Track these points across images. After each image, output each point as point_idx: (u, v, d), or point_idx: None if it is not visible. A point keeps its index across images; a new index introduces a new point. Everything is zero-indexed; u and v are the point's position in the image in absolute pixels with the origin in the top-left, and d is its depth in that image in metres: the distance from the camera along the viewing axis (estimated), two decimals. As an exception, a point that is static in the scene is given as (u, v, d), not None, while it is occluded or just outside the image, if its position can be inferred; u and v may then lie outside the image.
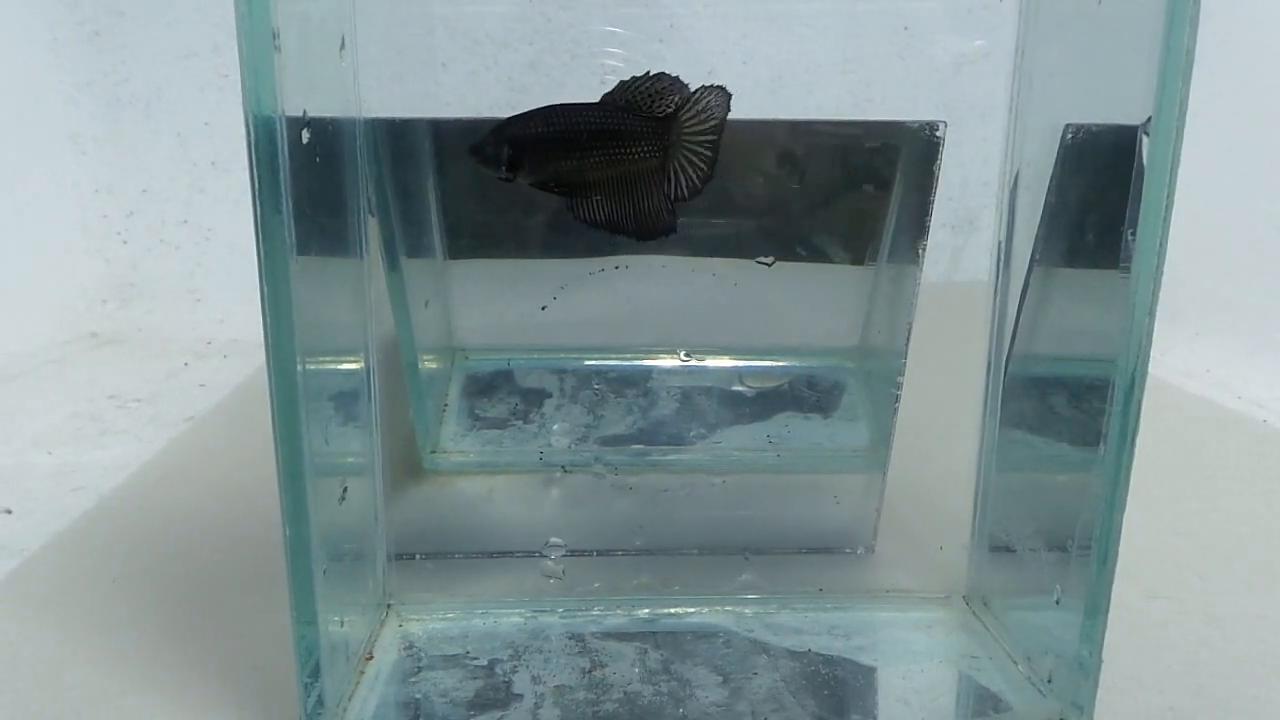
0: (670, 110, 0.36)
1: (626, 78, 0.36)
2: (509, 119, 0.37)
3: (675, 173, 0.37)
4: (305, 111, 0.30)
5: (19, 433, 0.70)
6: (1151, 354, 0.32)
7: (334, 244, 0.36)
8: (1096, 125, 0.36)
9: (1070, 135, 0.37)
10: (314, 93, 0.32)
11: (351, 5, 0.35)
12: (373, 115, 0.37)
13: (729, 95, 0.37)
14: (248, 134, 0.29)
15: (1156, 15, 0.29)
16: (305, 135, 0.30)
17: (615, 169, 0.37)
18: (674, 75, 0.36)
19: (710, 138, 0.37)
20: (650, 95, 0.36)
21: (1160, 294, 0.31)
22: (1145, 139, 0.30)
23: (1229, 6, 0.89)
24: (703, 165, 0.37)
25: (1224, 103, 0.89)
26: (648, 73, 0.36)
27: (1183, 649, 0.41)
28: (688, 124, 0.36)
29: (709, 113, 0.37)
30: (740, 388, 0.46)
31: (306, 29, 0.31)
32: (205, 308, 1.02)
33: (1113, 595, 0.34)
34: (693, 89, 0.36)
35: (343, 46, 0.35)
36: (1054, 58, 0.37)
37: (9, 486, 0.60)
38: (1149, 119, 0.30)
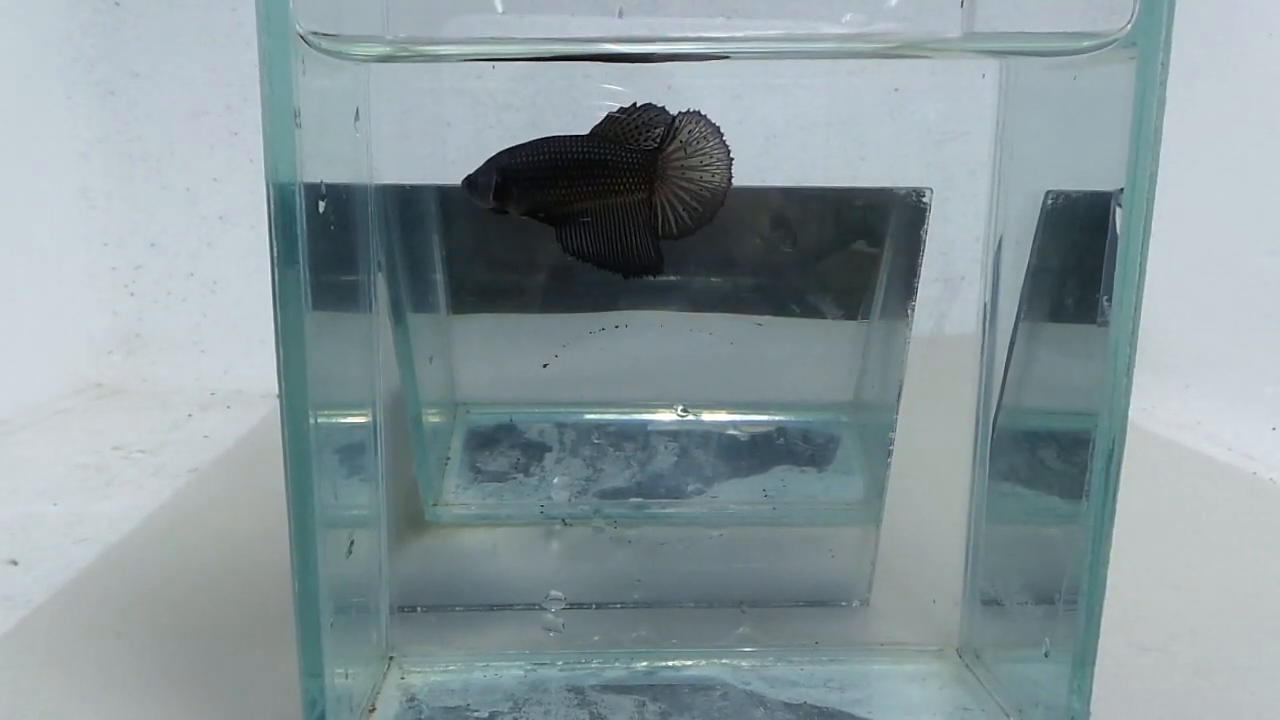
0: (655, 142, 0.36)
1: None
2: (502, 151, 0.37)
3: (662, 209, 0.36)
4: (322, 181, 0.32)
5: (25, 484, 0.71)
6: (1142, 407, 0.33)
7: (344, 301, 0.37)
8: (1075, 192, 0.37)
9: (1050, 201, 0.38)
10: (330, 163, 0.33)
11: (366, 79, 0.37)
12: (383, 181, 0.39)
13: (715, 127, 0.36)
14: (267, 202, 0.30)
15: (1127, 91, 0.31)
16: (322, 205, 0.32)
17: (601, 200, 0.36)
18: (661, 106, 0.36)
19: (701, 174, 0.36)
20: (636, 127, 0.36)
21: (1150, 348, 0.32)
22: (1118, 209, 0.32)
23: (1217, 61, 0.91)
24: (695, 204, 0.36)
25: (1213, 160, 0.92)
26: (634, 104, 0.36)
27: (1173, 701, 0.42)
28: (673, 156, 0.36)
29: (696, 144, 0.36)
30: (735, 432, 0.47)
31: (325, 104, 0.33)
32: (209, 359, 1.03)
33: (1103, 648, 0.35)
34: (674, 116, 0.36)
35: (357, 118, 0.37)
36: (1033, 127, 0.39)
37: (15, 538, 0.60)
38: (1121, 190, 0.31)
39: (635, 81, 0.39)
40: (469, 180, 0.39)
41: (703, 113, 0.36)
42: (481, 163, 0.38)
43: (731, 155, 0.37)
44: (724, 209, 0.39)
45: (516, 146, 0.37)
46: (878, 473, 0.46)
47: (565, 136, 0.37)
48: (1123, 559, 0.34)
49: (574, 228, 0.37)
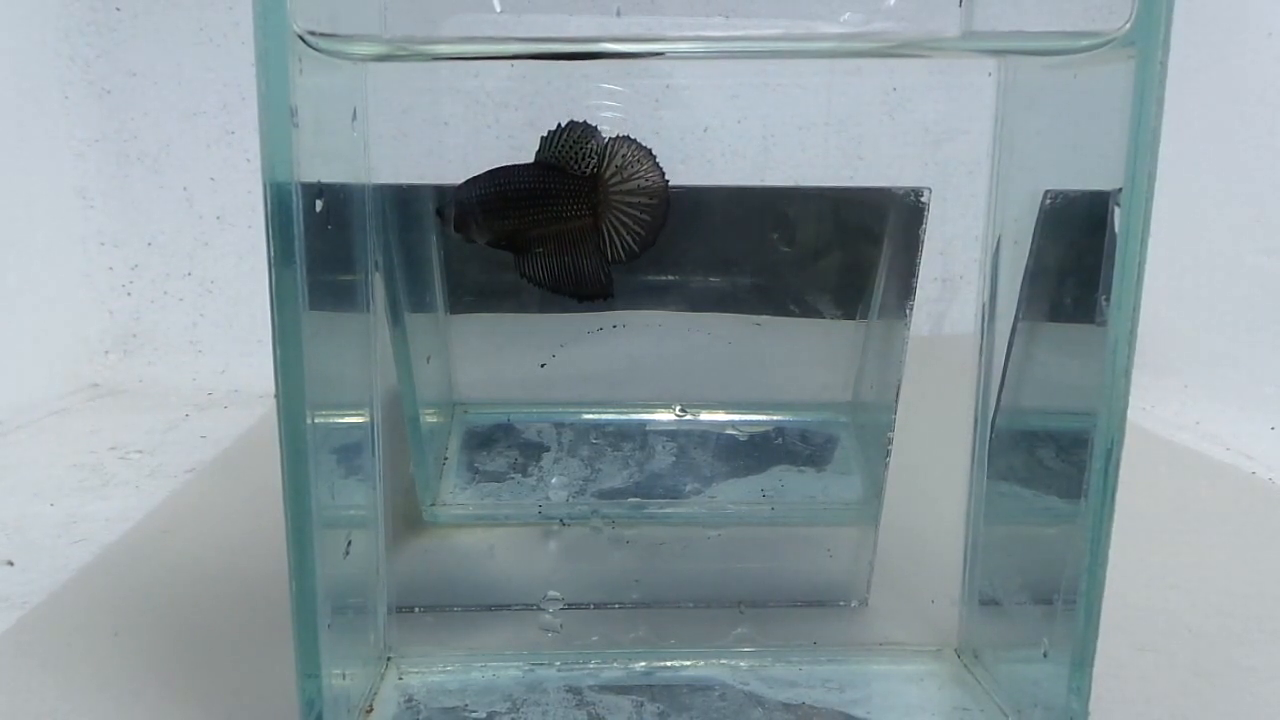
0: (592, 166, 0.37)
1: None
2: (462, 182, 0.38)
3: (609, 234, 0.37)
4: (319, 181, 0.32)
5: (21, 484, 0.71)
6: (1141, 406, 0.33)
7: (342, 301, 0.37)
8: (1074, 191, 0.37)
9: (1049, 201, 0.38)
10: (327, 162, 0.33)
11: (363, 78, 0.37)
12: (380, 181, 0.39)
13: (647, 151, 0.37)
14: (264, 201, 0.30)
15: (1126, 91, 0.31)
16: (319, 205, 0.32)
17: (551, 228, 0.37)
18: (585, 122, 0.37)
19: (640, 198, 0.37)
20: (569, 148, 0.37)
21: (1149, 347, 0.32)
22: (1117, 209, 0.32)
23: (1217, 61, 0.91)
24: (638, 229, 0.37)
25: (1213, 160, 0.92)
26: (559, 124, 0.37)
27: (1171, 701, 0.42)
28: (611, 181, 0.37)
29: (631, 169, 0.37)
30: (733, 432, 0.47)
31: (322, 104, 0.33)
32: (206, 359, 1.03)
33: (1102, 647, 0.35)
34: (606, 140, 0.37)
35: (354, 118, 0.36)
36: (1032, 127, 0.39)
37: (11, 538, 0.60)
38: (1120, 189, 0.31)
39: (634, 81, 0.39)
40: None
41: (632, 137, 0.37)
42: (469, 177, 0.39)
43: (666, 178, 0.37)
44: (724, 209, 0.39)
45: (474, 178, 0.38)
46: (876, 473, 0.46)
47: (513, 166, 0.37)
48: (1120, 558, 0.34)
49: (530, 256, 0.38)
